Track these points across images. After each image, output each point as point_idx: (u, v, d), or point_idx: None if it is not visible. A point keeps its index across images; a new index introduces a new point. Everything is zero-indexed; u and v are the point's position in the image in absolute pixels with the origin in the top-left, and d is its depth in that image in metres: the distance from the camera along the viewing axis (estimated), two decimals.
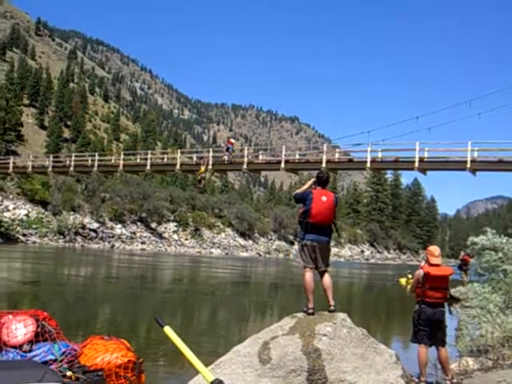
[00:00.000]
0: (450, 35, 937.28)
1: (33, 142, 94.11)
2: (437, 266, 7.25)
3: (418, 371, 7.20)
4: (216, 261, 53.13)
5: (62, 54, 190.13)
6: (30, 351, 3.87)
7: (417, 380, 7.08)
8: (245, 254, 77.71)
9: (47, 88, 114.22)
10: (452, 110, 47.63)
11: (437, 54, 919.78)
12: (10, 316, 4.03)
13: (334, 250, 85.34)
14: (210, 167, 43.73)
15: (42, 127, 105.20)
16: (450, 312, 7.62)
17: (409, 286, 11.19)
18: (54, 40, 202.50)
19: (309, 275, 6.98)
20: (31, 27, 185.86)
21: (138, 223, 73.81)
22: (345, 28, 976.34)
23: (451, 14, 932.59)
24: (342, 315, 6.76)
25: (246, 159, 43.23)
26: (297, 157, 43.82)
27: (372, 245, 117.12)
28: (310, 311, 6.78)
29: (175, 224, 79.94)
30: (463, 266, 26.68)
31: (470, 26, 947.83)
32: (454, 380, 7.15)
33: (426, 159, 36.24)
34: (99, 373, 3.65)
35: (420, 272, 7.21)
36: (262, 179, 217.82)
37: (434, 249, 7.53)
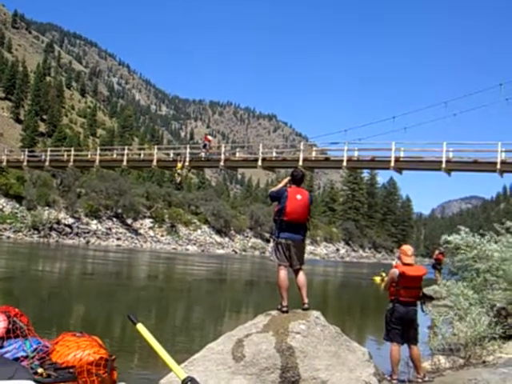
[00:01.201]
0: (427, 35, 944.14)
1: (8, 136, 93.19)
2: (410, 265, 7.32)
3: (391, 369, 7.26)
4: (192, 258, 53.03)
5: (39, 47, 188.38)
6: (1, 348, 3.83)
7: (389, 378, 7.14)
8: (221, 251, 77.66)
9: (23, 81, 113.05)
10: (428, 111, 48.07)
11: (414, 54, 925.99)
12: None
13: (309, 248, 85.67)
14: (186, 164, 43.66)
15: (18, 121, 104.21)
16: (423, 310, 7.69)
17: (383, 284, 11.30)
18: (30, 33, 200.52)
19: (283, 273, 7.00)
20: (8, 20, 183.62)
21: (114, 219, 73.38)
22: (323, 26, 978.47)
23: (428, 13, 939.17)
24: (315, 313, 6.78)
25: (223, 156, 43.23)
26: (274, 154, 43.92)
27: (347, 243, 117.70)
28: (284, 309, 6.80)
29: (151, 220, 79.62)
30: (437, 265, 26.87)
31: (447, 26, 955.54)
32: (426, 378, 7.21)
33: (401, 159, 36.55)
34: (71, 370, 3.63)
35: (395, 271, 7.26)
36: (239, 176, 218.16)
37: (407, 248, 7.60)
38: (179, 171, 43.39)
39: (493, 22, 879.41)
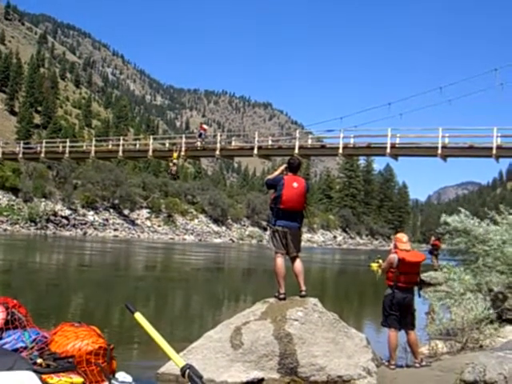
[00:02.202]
0: (422, 21, 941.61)
1: (3, 128, 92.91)
2: (409, 251, 7.35)
3: (388, 355, 7.29)
4: (189, 247, 53.06)
5: (32, 39, 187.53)
6: (0, 339, 3.85)
7: (387, 363, 7.18)
8: (218, 241, 77.69)
9: (17, 73, 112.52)
10: (423, 97, 48.01)
11: (408, 40, 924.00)
12: None
13: (306, 236, 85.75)
14: (182, 153, 43.59)
15: (12, 113, 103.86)
16: (420, 296, 7.72)
17: (380, 270, 11.30)
18: (23, 24, 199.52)
19: (280, 261, 7.03)
20: (0, 11, 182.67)
21: (111, 210, 73.33)
22: (317, 14, 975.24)
23: (423, 1, 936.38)
24: (313, 300, 6.82)
25: (218, 145, 43.18)
26: (269, 143, 43.85)
27: (344, 230, 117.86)
28: (282, 296, 6.83)
29: (148, 211, 79.60)
30: (434, 251, 26.96)
31: (442, 12, 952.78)
32: (424, 363, 7.25)
33: (397, 145, 36.54)
34: (70, 359, 3.65)
35: (394, 256, 7.27)
36: (235, 165, 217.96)
37: (402, 236, 7.64)
38: (175, 161, 43.29)
39: (488, 9, 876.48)
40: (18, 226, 56.58)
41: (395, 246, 7.46)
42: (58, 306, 14.21)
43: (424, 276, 19.07)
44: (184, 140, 45.05)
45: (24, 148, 57.34)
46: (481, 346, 8.04)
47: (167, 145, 48.52)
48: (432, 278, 18.60)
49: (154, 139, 52.41)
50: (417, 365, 7.23)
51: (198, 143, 44.16)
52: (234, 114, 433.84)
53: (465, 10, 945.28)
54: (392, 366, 7.13)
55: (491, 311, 8.47)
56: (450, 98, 42.15)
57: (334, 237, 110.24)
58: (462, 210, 11.36)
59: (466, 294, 8.88)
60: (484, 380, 5.07)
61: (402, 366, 7.37)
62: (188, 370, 2.59)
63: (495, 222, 11.20)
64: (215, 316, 13.84)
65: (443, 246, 23.25)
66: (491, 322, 8.40)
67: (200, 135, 44.41)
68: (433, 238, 28.00)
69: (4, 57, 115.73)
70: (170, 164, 43.29)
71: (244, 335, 6.28)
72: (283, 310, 6.52)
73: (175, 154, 42.26)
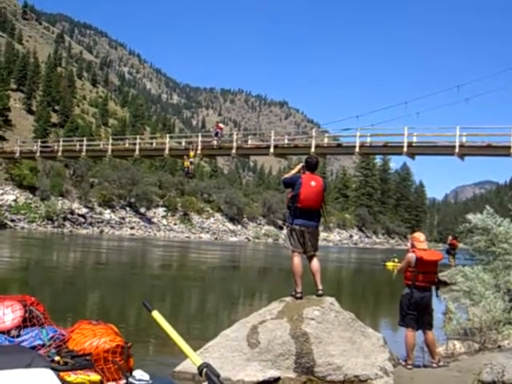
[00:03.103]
0: (438, 20, 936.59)
1: (20, 127, 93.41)
2: (426, 250, 7.31)
3: (406, 354, 7.26)
4: (205, 246, 53.16)
5: (50, 38, 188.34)
6: (18, 336, 3.87)
7: (404, 363, 7.15)
8: (234, 239, 77.79)
9: (35, 72, 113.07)
10: (440, 95, 47.78)
11: (425, 39, 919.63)
12: None
13: (322, 235, 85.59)
14: (198, 152, 43.65)
15: (30, 112, 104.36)
16: (437, 295, 7.67)
17: (395, 270, 11.20)
18: (41, 24, 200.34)
19: (297, 260, 7.01)
20: (18, 11, 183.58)
21: (127, 208, 73.67)
22: (334, 13, 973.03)
23: (440, 1, 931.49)
24: (329, 299, 6.80)
25: (234, 144, 43.17)
26: (286, 141, 43.80)
27: (360, 229, 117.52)
28: (298, 295, 6.81)
29: (164, 209, 79.87)
30: (451, 251, 26.84)
31: (459, 11, 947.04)
32: (441, 363, 7.21)
33: (414, 144, 36.34)
34: (87, 357, 3.66)
35: (412, 255, 7.23)
36: (251, 164, 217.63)
37: (419, 235, 7.60)
38: (192, 159, 43.30)
39: (506, 7, 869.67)
40: (35, 224, 56.99)
41: (412, 246, 7.42)
42: (75, 304, 14.29)
43: (441, 275, 18.99)
44: (200, 139, 45.10)
45: (41, 147, 57.65)
46: (499, 347, 7.97)
47: (183, 143, 48.57)
48: (450, 277, 18.50)
49: (171, 138, 52.46)
50: (434, 365, 7.18)
51: (215, 142, 44.19)
52: (250, 113, 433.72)
53: (483, 8, 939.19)
54: (409, 366, 7.09)
55: (511, 312, 8.40)
56: (467, 97, 41.83)
57: (351, 236, 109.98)
58: (488, 206, 11.22)
59: (485, 293, 8.79)
60: (502, 380, 5.04)
61: (419, 366, 7.33)
62: (205, 369, 2.58)
63: None
64: (231, 314, 13.86)
65: (461, 246, 23.12)
66: (510, 323, 8.33)
67: (216, 134, 44.46)
68: (450, 238, 27.89)
69: (21, 56, 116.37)
70: (187, 163, 43.25)
71: (260, 334, 6.27)
72: (300, 309, 6.51)
73: (192, 153, 42.28)
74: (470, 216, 11.08)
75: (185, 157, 43.26)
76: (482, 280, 9.26)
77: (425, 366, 7.36)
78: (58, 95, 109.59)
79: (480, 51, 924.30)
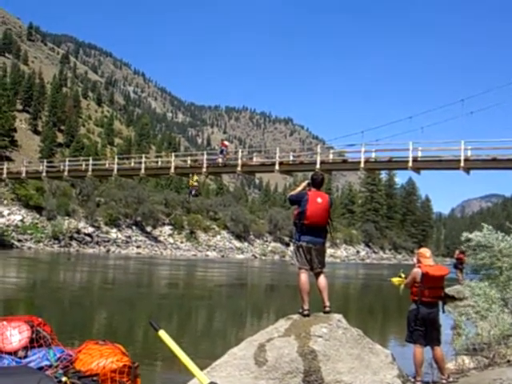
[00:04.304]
0: (442, 33, 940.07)
1: (26, 148, 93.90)
2: (431, 266, 7.29)
3: (414, 371, 7.21)
4: (212, 263, 53.10)
5: (55, 59, 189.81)
6: (25, 357, 3.86)
7: (413, 380, 7.10)
8: (240, 256, 77.68)
9: (40, 93, 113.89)
10: (445, 109, 47.75)
11: (429, 53, 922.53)
12: (5, 322, 4.02)
13: (329, 251, 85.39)
14: (204, 170, 43.73)
15: (36, 132, 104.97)
16: (444, 311, 7.62)
17: (402, 285, 11.14)
18: (46, 45, 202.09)
19: (304, 276, 7.00)
20: (23, 32, 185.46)
21: (133, 227, 73.73)
22: (337, 28, 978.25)
23: (443, 12, 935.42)
24: (337, 316, 6.77)
25: (240, 161, 43.19)
26: (291, 158, 43.79)
27: (367, 245, 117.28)
28: (306, 312, 6.79)
29: (170, 227, 79.90)
30: (458, 265, 26.69)
31: (463, 25, 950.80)
32: (450, 379, 7.16)
33: (419, 159, 36.28)
34: (94, 378, 3.65)
35: (418, 271, 7.21)
36: (257, 181, 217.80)
37: (425, 251, 7.58)
38: (196, 183, 43.54)
39: (509, 19, 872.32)
40: (41, 243, 57.08)
41: (418, 261, 7.41)
42: (82, 324, 14.28)
43: (449, 290, 18.90)
44: (205, 157, 45.18)
45: (47, 167, 57.81)
46: (508, 361, 7.92)
47: (189, 162, 48.64)
48: (458, 292, 18.43)
49: (176, 156, 52.54)
50: (443, 381, 7.13)
51: (220, 160, 44.26)
52: (254, 130, 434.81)
53: (486, 20, 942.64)
54: (418, 383, 7.05)
55: None
56: (471, 111, 41.76)
57: (357, 252, 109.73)
58: (485, 225, 11.23)
59: (491, 308, 8.76)
60: None
61: (428, 383, 7.29)
62: None
63: None
64: (239, 333, 13.81)
65: (467, 260, 23.03)
66: None
67: (221, 151, 44.53)
68: (457, 252, 27.73)
69: (27, 77, 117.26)
70: (192, 182, 43.41)
71: (268, 352, 6.24)
72: (307, 327, 6.48)
73: (195, 177, 42.59)
74: (470, 235, 11.07)
75: (190, 175, 43.39)
76: (488, 295, 9.22)
77: (434, 383, 7.32)
78: (64, 115, 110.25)
79: (484, 64, 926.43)
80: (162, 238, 76.05)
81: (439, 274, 7.25)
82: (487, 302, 9.08)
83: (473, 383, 6.78)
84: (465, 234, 11.36)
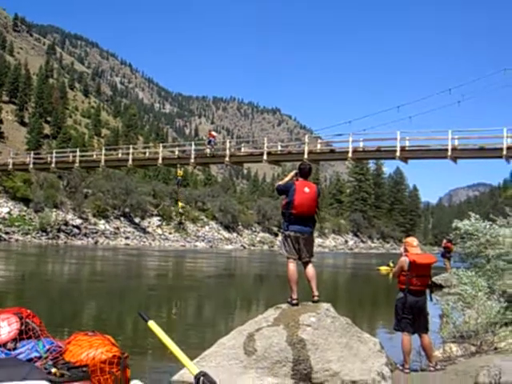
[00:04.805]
0: (429, 23, 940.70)
1: (13, 139, 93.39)
2: (418, 254, 7.34)
3: (402, 359, 7.26)
4: (201, 254, 53.10)
5: (41, 50, 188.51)
6: (15, 349, 3.86)
7: (401, 367, 7.15)
8: (229, 247, 77.68)
9: (26, 84, 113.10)
10: (432, 99, 47.94)
11: (415, 42, 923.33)
12: None
13: (317, 241, 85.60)
14: (192, 161, 43.76)
15: (22, 124, 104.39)
16: (431, 299, 7.67)
17: (391, 273, 11.21)
18: (32, 35, 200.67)
19: (292, 266, 7.03)
20: (9, 23, 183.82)
21: (122, 218, 73.49)
22: (323, 18, 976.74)
23: (432, 2, 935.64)
24: (325, 305, 6.81)
25: (228, 152, 43.24)
26: (279, 148, 43.85)
27: (356, 234, 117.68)
28: (294, 302, 6.82)
29: (159, 218, 79.71)
30: (446, 254, 26.82)
31: (448, 13, 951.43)
32: (438, 366, 7.22)
33: (407, 148, 36.47)
34: (84, 369, 3.65)
35: (405, 259, 7.25)
36: (245, 171, 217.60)
37: (412, 239, 7.63)
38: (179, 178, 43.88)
39: (498, 8, 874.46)
40: (29, 236, 56.79)
41: (405, 250, 7.45)
42: (71, 316, 14.26)
43: (436, 279, 19.01)
44: (193, 147, 45.15)
45: (34, 158, 57.59)
46: (495, 349, 7.99)
47: (177, 152, 48.60)
48: (446, 280, 18.54)
49: (164, 147, 52.47)
50: (431, 368, 7.19)
51: (208, 150, 44.25)
52: (242, 121, 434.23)
53: (473, 8, 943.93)
54: (406, 370, 7.10)
55: (508, 314, 8.42)
56: (459, 100, 41.91)
57: (346, 241, 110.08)
58: (472, 214, 11.31)
59: (478, 296, 8.82)
60: (499, 383, 5.05)
61: (416, 370, 7.34)
62: (202, 378, 2.60)
63: (508, 223, 11.14)
64: (228, 323, 13.84)
65: (455, 249, 23.13)
66: (506, 325, 8.35)
67: (209, 142, 44.53)
68: (445, 241, 27.86)
69: (13, 68, 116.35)
70: (180, 172, 43.66)
71: (257, 342, 6.27)
72: (296, 316, 6.51)
73: (180, 172, 42.90)
74: (459, 224, 11.15)
75: (178, 166, 43.45)
76: (475, 283, 9.29)
77: (422, 370, 7.37)
78: (50, 106, 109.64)
79: (472, 53, 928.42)
80: (150, 229, 75.87)
81: (426, 262, 7.29)
82: (474, 290, 9.15)
83: (460, 370, 6.84)
84: (454, 223, 11.45)
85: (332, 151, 41.51)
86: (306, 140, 42.57)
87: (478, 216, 11.19)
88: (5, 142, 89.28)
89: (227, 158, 42.88)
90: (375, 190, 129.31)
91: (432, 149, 36.35)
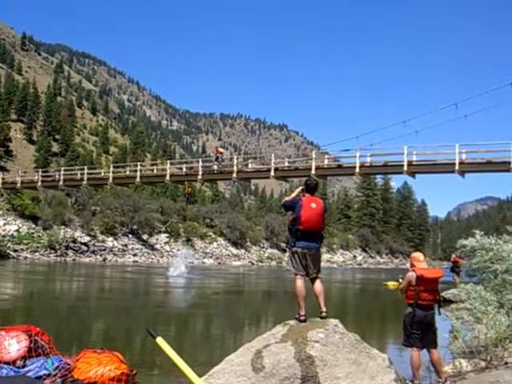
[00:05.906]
0: (436, 37, 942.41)
1: (21, 157, 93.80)
2: (425, 269, 7.33)
3: (412, 374, 7.23)
4: (208, 271, 53.03)
5: (49, 68, 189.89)
6: (24, 367, 3.88)
7: (410, 383, 7.12)
8: (237, 263, 77.57)
9: (35, 102, 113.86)
10: (439, 113, 48.15)
11: (423, 57, 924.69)
12: (3, 332, 4.04)
13: (326, 256, 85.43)
14: (199, 178, 43.84)
15: (31, 142, 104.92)
16: (440, 314, 7.65)
17: (399, 288, 11.15)
18: (40, 54, 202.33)
19: (300, 282, 7.02)
20: (17, 42, 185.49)
21: (130, 235, 73.52)
22: (330, 33, 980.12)
23: (437, 16, 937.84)
24: (334, 321, 6.79)
25: (235, 168, 43.29)
26: (286, 164, 43.90)
27: (364, 250, 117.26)
28: (302, 318, 6.81)
29: (166, 235, 79.69)
30: (455, 268, 26.75)
31: (456, 28, 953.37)
32: (448, 382, 7.18)
33: (414, 162, 36.40)
34: None
35: (412, 274, 7.24)
36: (253, 187, 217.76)
37: (418, 255, 7.62)
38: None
39: (503, 21, 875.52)
40: (37, 253, 56.88)
41: (412, 265, 7.44)
42: (80, 333, 14.26)
43: (445, 293, 18.93)
44: (201, 164, 45.25)
45: (43, 176, 57.85)
46: (505, 364, 7.94)
47: (184, 169, 48.73)
48: (455, 295, 18.45)
49: (171, 164, 52.65)
50: None
51: (215, 167, 44.34)
52: (249, 137, 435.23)
53: (480, 22, 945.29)
54: None
55: None
56: (465, 114, 41.89)
57: (354, 256, 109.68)
58: (477, 231, 11.30)
59: (487, 311, 8.78)
60: None
61: None
62: None
63: None
64: (236, 339, 13.81)
65: (464, 264, 23.04)
66: None
67: (217, 159, 44.64)
68: (453, 255, 27.81)
69: (21, 87, 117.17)
70: (188, 189, 43.76)
71: (265, 358, 6.25)
72: (304, 332, 6.50)
73: (188, 189, 43.02)
74: (465, 242, 11.13)
75: (186, 183, 43.53)
76: (484, 297, 9.25)
77: None
78: (59, 124, 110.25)
79: (478, 67, 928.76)
80: (158, 246, 75.85)
81: (434, 276, 7.28)
82: (483, 304, 9.11)
83: None
84: (459, 241, 11.44)
85: (339, 166, 41.53)
86: (313, 155, 42.57)
87: (482, 233, 11.17)
88: (13, 160, 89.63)
89: (235, 174, 42.93)
90: (383, 204, 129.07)
91: (439, 163, 36.30)
